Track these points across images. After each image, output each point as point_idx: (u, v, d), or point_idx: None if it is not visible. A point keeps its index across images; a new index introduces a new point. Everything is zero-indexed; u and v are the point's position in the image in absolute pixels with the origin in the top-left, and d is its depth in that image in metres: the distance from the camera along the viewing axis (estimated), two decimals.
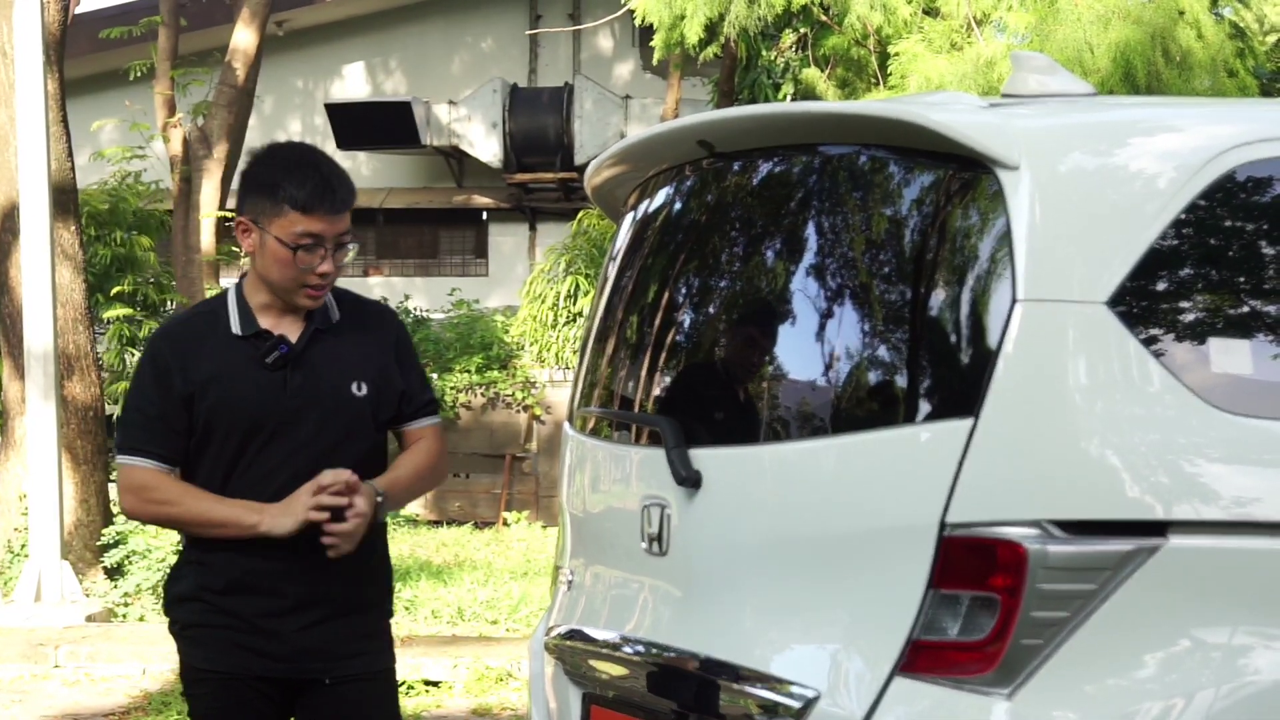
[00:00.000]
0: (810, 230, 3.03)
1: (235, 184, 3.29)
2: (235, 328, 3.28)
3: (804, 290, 3.00)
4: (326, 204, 3.20)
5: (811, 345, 2.93)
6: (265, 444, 3.25)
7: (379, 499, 3.27)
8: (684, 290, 3.28)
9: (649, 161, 3.47)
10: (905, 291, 2.77)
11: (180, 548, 3.43)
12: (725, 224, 3.25)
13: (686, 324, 3.27)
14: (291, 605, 3.26)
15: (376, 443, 3.39)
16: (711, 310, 3.23)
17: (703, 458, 3.00)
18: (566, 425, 3.68)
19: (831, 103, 4.21)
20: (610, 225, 13.65)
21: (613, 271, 3.58)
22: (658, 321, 3.29)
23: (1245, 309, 2.70)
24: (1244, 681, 2.54)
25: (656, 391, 3.28)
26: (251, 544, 3.23)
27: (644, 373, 3.34)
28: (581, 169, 17.41)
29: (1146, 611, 2.51)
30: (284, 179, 3.20)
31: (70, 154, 9.83)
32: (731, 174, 3.24)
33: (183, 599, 3.33)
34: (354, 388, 3.31)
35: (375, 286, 18.06)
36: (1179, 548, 2.52)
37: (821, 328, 2.92)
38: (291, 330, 3.30)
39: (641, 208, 3.51)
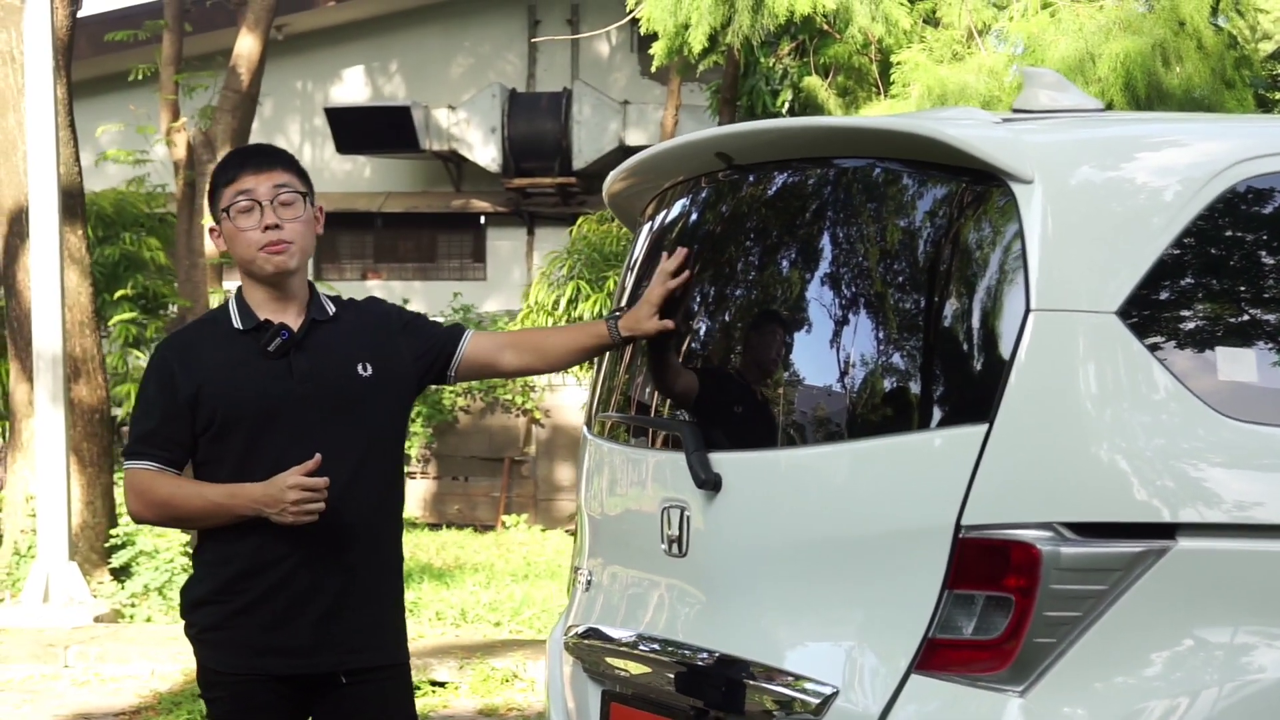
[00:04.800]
0: (826, 240, 3.11)
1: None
2: (236, 323, 3.37)
3: (821, 299, 3.07)
4: (250, 165, 3.36)
5: (828, 353, 3.00)
6: (276, 432, 3.28)
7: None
8: (703, 298, 3.36)
9: (667, 173, 3.55)
10: (920, 301, 2.84)
11: (190, 551, 3.49)
12: (742, 234, 3.32)
13: (705, 331, 3.35)
14: (306, 599, 3.30)
15: (395, 429, 3.45)
16: (730, 318, 3.31)
17: (722, 461, 3.07)
18: (585, 430, 3.75)
19: (849, 117, 4.30)
20: (609, 230, 13.75)
21: (631, 280, 3.65)
22: (678, 329, 3.37)
23: (1250, 318, 2.77)
24: (1247, 680, 2.61)
25: (676, 397, 3.36)
26: (265, 541, 3.27)
27: (664, 379, 3.42)
28: (580, 174, 17.46)
29: (1154, 611, 2.58)
30: (217, 173, 3.42)
31: (78, 158, 9.87)
32: (748, 185, 3.31)
33: (200, 603, 3.38)
34: (359, 368, 3.37)
35: (374, 290, 18.09)
36: (1186, 550, 2.59)
37: (838, 336, 2.99)
38: (291, 322, 3.37)
39: (659, 217, 3.59)
